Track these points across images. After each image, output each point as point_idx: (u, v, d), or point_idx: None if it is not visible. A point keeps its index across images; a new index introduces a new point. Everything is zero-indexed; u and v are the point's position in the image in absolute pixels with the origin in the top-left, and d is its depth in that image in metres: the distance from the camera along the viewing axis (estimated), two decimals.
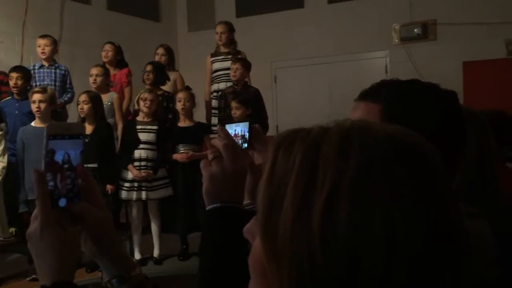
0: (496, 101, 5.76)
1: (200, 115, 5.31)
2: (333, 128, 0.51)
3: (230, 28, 5.48)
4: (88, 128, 4.45)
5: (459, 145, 0.93)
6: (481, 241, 1.01)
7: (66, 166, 0.78)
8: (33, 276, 4.15)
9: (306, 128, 0.52)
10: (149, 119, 4.67)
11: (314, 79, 7.65)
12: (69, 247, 0.76)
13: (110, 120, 4.93)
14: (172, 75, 5.52)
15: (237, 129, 1.07)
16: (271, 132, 5.64)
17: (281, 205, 0.48)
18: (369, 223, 0.44)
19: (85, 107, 4.46)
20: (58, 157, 0.77)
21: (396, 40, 7.19)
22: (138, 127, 4.63)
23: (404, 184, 0.46)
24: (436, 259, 0.46)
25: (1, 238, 4.70)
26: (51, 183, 0.77)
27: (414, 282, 0.45)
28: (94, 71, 5.02)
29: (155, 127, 4.65)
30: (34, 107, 4.29)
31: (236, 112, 4.73)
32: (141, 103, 4.63)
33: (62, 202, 0.78)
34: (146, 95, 4.63)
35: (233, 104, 4.76)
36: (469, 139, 0.96)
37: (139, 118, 4.70)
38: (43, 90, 4.38)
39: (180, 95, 4.82)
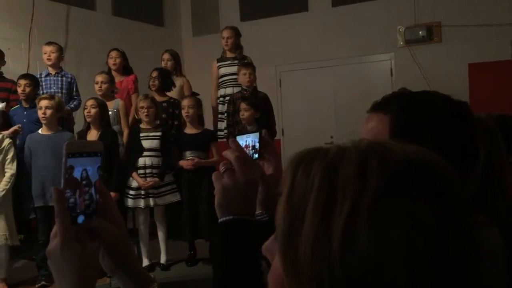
0: (502, 102, 5.74)
1: (206, 121, 5.31)
2: (351, 148, 0.51)
3: (236, 33, 5.49)
4: (94, 135, 4.47)
5: (471, 157, 0.93)
6: (490, 250, 1.01)
7: (84, 182, 0.79)
8: (42, 283, 4.18)
9: (324, 148, 0.53)
10: (152, 126, 4.68)
11: (319, 82, 7.65)
12: (88, 264, 0.77)
13: (115, 127, 4.94)
14: (178, 81, 5.53)
15: (248, 140, 1.07)
16: (277, 136, 5.65)
17: (302, 225, 0.49)
18: (388, 244, 0.45)
19: (92, 111, 4.48)
20: (77, 173, 0.78)
21: (401, 43, 7.18)
22: (142, 134, 4.64)
23: (422, 205, 0.47)
24: (455, 275, 0.47)
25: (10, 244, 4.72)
26: (71, 200, 0.78)
27: None
28: (99, 78, 5.04)
29: (158, 134, 4.66)
30: (40, 113, 4.32)
31: (244, 114, 4.73)
32: (139, 112, 4.65)
33: (81, 219, 0.79)
34: (142, 103, 4.64)
35: (242, 105, 4.76)
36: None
37: (142, 125, 4.71)
38: (51, 97, 4.42)
39: (184, 103, 4.84)
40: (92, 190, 0.80)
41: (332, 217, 0.47)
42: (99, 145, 0.83)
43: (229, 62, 5.46)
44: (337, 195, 0.48)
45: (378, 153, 0.50)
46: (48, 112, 4.31)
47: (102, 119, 4.55)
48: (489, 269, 0.59)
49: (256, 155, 1.05)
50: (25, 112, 4.78)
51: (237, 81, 5.28)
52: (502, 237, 1.04)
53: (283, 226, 0.51)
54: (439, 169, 0.50)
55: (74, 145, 0.78)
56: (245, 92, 5.12)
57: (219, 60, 5.54)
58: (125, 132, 5.01)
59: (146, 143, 4.62)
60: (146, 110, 4.61)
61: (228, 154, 0.96)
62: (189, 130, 4.83)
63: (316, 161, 0.51)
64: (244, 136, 1.08)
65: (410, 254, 0.45)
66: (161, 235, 4.72)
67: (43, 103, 4.32)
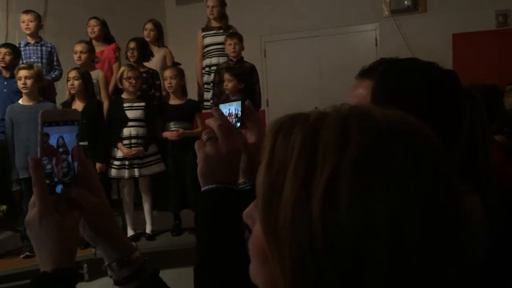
0: (485, 73, 5.78)
1: (190, 91, 5.27)
2: (331, 113, 0.50)
3: (221, 2, 5.39)
4: (79, 106, 4.41)
5: (455, 125, 0.93)
6: (473, 218, 1.02)
7: (61, 150, 0.78)
8: (27, 253, 4.17)
9: (305, 113, 0.52)
10: (134, 96, 4.63)
11: (304, 53, 7.60)
12: (68, 234, 0.76)
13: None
14: (161, 51, 5.44)
15: (231, 108, 1.06)
16: (262, 107, 5.63)
17: (281, 190, 0.48)
18: (369, 208, 0.45)
19: (76, 83, 4.41)
20: (53, 141, 0.76)
21: (386, 13, 7.15)
22: (125, 105, 4.59)
23: (404, 168, 0.46)
24: (440, 242, 0.46)
25: None
26: (48, 166, 0.76)
27: (419, 263, 0.45)
28: (78, 47, 4.93)
29: (142, 104, 4.61)
30: (20, 83, 4.24)
31: (228, 85, 4.70)
32: (126, 82, 4.58)
33: (59, 189, 0.78)
34: (129, 73, 4.57)
35: (226, 76, 4.73)
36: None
37: (125, 96, 4.65)
38: (29, 67, 4.32)
39: (166, 73, 4.77)
40: (70, 158, 0.79)
41: (312, 182, 0.46)
42: (76, 114, 0.82)
43: (214, 31, 5.38)
44: (317, 160, 0.47)
45: (359, 117, 0.49)
46: (28, 82, 4.22)
47: (86, 90, 4.48)
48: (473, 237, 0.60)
49: (239, 124, 1.04)
50: (5, 82, 4.67)
51: (222, 51, 5.22)
52: (484, 206, 1.05)
53: (263, 192, 0.50)
54: (421, 133, 0.50)
55: (50, 114, 0.76)
56: (231, 63, 5.07)
57: (204, 30, 5.45)
58: (105, 103, 4.93)
59: (130, 114, 4.57)
60: (134, 81, 4.55)
61: (211, 122, 0.95)
62: (173, 101, 4.79)
63: (296, 126, 0.50)
64: (227, 104, 1.06)
65: (392, 221, 0.45)
66: (146, 205, 4.73)
67: (22, 73, 4.23)
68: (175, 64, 4.87)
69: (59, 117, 0.77)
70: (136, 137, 4.56)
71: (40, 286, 0.75)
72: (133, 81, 4.55)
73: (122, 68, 4.71)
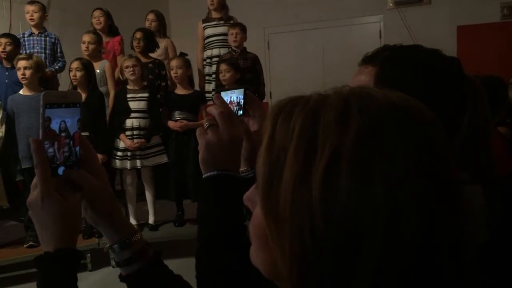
0: (490, 65, 5.75)
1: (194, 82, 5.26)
2: (332, 95, 0.50)
3: None
4: None
5: (458, 112, 0.93)
6: (472, 207, 1.02)
7: (63, 134, 0.78)
8: (30, 243, 4.20)
9: (305, 96, 0.52)
10: (139, 87, 4.62)
11: (308, 45, 7.57)
12: (70, 215, 0.77)
13: (102, 89, 4.86)
14: (163, 42, 5.43)
15: (233, 96, 1.06)
16: (265, 99, 5.62)
17: (281, 172, 0.48)
18: (369, 190, 0.45)
19: (78, 74, 4.40)
20: (55, 125, 0.77)
21: (391, 5, 7.11)
22: (129, 95, 4.58)
23: (404, 151, 0.46)
24: (437, 227, 0.46)
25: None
26: (50, 150, 0.77)
27: (415, 250, 0.45)
28: (87, 38, 4.92)
29: (146, 95, 4.60)
30: (19, 74, 4.22)
31: (225, 75, 4.68)
32: (125, 71, 4.58)
33: (61, 171, 0.78)
34: (127, 62, 4.56)
35: (223, 66, 4.70)
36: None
37: (129, 86, 4.65)
38: (28, 57, 4.30)
39: (172, 63, 4.76)
40: (72, 142, 0.79)
41: (312, 164, 0.47)
42: (78, 96, 0.82)
43: (214, 22, 5.36)
44: (317, 142, 0.47)
45: (360, 99, 0.49)
46: (28, 72, 4.21)
47: (89, 81, 4.47)
48: (472, 226, 0.60)
49: (241, 112, 1.04)
50: (6, 73, 4.67)
51: (223, 42, 5.21)
52: (485, 195, 1.05)
53: (263, 174, 0.50)
54: (421, 115, 0.50)
55: (52, 95, 0.77)
56: (234, 53, 5.06)
57: (204, 21, 5.43)
58: (112, 93, 4.93)
59: (133, 105, 4.57)
60: (131, 69, 4.53)
61: (212, 110, 0.95)
62: (179, 90, 4.78)
63: (296, 108, 0.50)
64: (229, 92, 1.06)
65: (389, 201, 0.45)
66: (149, 196, 4.74)
67: (21, 63, 4.21)
68: (182, 54, 4.85)
69: (60, 99, 0.77)
70: (139, 128, 4.56)
71: (42, 266, 0.76)
72: (131, 69, 4.53)
73: (121, 60, 4.71)
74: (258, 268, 0.56)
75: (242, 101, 1.04)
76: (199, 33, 5.45)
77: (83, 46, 4.90)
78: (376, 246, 0.44)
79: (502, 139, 2.68)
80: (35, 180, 0.76)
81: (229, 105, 1.01)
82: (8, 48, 4.65)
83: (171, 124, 4.69)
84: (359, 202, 0.45)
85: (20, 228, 4.50)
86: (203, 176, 0.92)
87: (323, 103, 0.49)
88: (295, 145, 0.48)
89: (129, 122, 4.56)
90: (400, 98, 0.50)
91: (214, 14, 5.39)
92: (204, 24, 5.40)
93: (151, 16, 5.48)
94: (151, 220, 4.74)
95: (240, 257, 0.75)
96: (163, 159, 4.67)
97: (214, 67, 5.20)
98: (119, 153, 4.58)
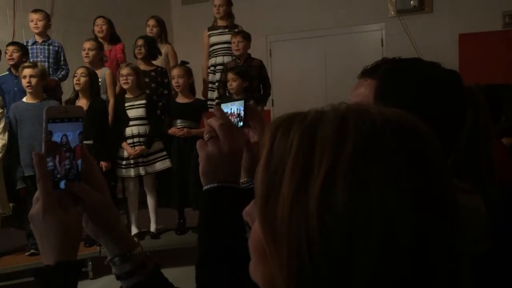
0: (492, 73, 5.75)
1: (196, 90, 5.26)
2: (329, 112, 0.51)
3: (228, 1, 5.40)
4: (83, 104, 4.41)
5: (457, 125, 0.93)
6: (474, 216, 1.02)
7: (64, 148, 0.79)
8: (32, 250, 4.19)
9: (303, 112, 0.53)
10: (136, 95, 4.63)
11: (310, 53, 7.59)
12: (71, 228, 0.78)
13: (102, 96, 4.87)
14: (163, 48, 5.44)
15: (233, 108, 1.06)
16: (267, 106, 5.63)
17: (279, 188, 0.49)
18: (365, 206, 0.45)
19: (82, 79, 4.41)
20: (56, 138, 0.78)
21: (392, 13, 7.13)
22: (126, 104, 4.60)
23: (400, 167, 0.47)
24: (432, 240, 0.47)
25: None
26: (50, 164, 0.77)
27: (411, 262, 0.46)
28: (87, 45, 4.95)
29: (143, 102, 4.60)
30: (25, 82, 4.25)
31: (232, 84, 4.69)
32: (120, 80, 4.60)
33: (63, 184, 0.79)
34: (121, 70, 4.59)
35: (230, 75, 4.72)
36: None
37: (127, 95, 4.66)
38: (34, 65, 4.34)
39: (173, 72, 4.78)
40: (73, 155, 0.80)
41: (309, 179, 0.47)
42: (80, 110, 0.82)
43: (220, 30, 5.38)
44: (315, 158, 0.48)
45: (356, 115, 0.49)
46: (33, 80, 4.24)
47: (92, 89, 4.49)
48: (470, 233, 0.60)
49: (241, 123, 1.04)
50: (15, 81, 4.67)
51: (228, 50, 5.23)
52: (485, 205, 1.05)
53: (261, 189, 0.51)
54: (418, 131, 0.50)
55: (55, 110, 0.77)
56: (238, 61, 5.08)
57: (210, 29, 5.46)
58: (111, 101, 4.93)
59: (131, 113, 4.59)
60: (125, 78, 4.55)
61: (213, 122, 0.95)
62: (181, 99, 4.79)
63: (295, 124, 0.51)
64: (229, 104, 1.07)
65: (386, 216, 0.45)
66: (151, 204, 4.74)
67: (27, 71, 4.24)
68: (183, 63, 4.87)
69: (63, 114, 0.78)
70: (138, 135, 4.57)
71: (42, 279, 0.76)
72: (124, 78, 4.54)
73: (120, 67, 4.73)
74: (256, 282, 0.56)
75: (242, 113, 1.05)
76: (204, 41, 5.47)
77: (83, 53, 4.93)
78: (372, 259, 0.45)
79: (503, 147, 2.68)
80: (37, 194, 0.77)
81: (230, 117, 1.01)
82: (15, 55, 4.67)
83: (172, 130, 4.69)
84: (355, 218, 0.45)
85: (22, 236, 4.50)
86: (204, 188, 0.93)
87: (320, 120, 0.50)
88: (292, 160, 0.49)
89: (129, 131, 4.57)
90: (396, 114, 0.51)
91: (220, 22, 5.42)
92: (210, 32, 5.43)
93: (151, 22, 5.49)
94: (152, 228, 4.74)
95: (240, 270, 0.76)
96: (166, 164, 4.67)
97: (218, 75, 5.23)
98: (123, 162, 4.59)
